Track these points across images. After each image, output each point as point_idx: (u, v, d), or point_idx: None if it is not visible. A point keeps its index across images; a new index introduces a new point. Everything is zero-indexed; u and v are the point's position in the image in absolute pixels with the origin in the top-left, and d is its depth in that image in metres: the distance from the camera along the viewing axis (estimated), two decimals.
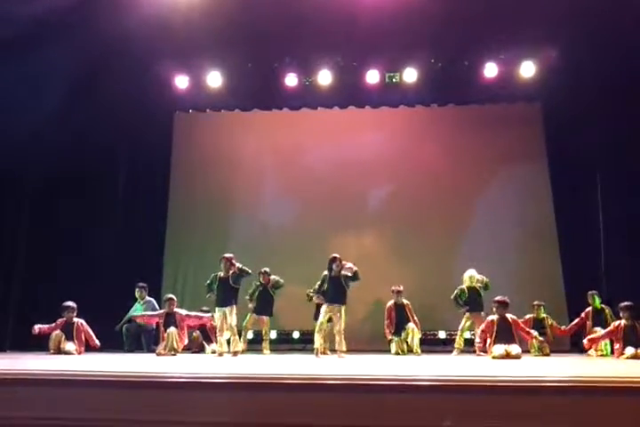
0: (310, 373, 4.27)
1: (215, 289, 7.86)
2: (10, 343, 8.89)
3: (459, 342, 8.65)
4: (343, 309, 7.61)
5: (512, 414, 3.49)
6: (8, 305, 9.23)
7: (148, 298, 9.30)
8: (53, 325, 8.24)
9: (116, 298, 9.77)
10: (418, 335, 8.56)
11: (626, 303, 7.66)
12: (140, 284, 9.32)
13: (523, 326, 7.86)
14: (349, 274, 7.58)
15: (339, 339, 7.66)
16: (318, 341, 7.67)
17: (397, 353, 8.54)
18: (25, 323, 8.78)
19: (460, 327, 8.70)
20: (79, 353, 8.01)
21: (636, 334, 7.49)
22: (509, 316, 7.65)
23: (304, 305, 9.22)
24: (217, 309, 7.80)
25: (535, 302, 8.86)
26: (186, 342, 8.30)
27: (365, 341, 9.59)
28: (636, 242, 9.18)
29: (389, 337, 8.69)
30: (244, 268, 7.79)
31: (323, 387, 3.72)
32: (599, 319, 8.62)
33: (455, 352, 8.57)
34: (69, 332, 8.13)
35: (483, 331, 7.76)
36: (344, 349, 7.63)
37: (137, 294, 9.25)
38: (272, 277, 9.17)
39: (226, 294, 7.75)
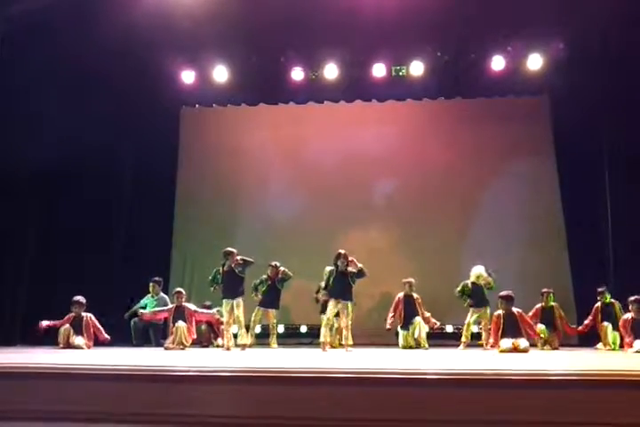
0: (317, 367, 4.28)
1: (221, 282, 7.87)
2: (19, 338, 8.96)
3: (465, 336, 8.65)
4: (350, 304, 7.60)
5: (519, 407, 3.49)
6: (17, 300, 9.30)
7: (161, 294, 9.32)
8: (64, 319, 8.29)
9: (124, 293, 9.83)
10: (425, 329, 8.59)
11: (635, 297, 7.63)
12: (156, 278, 9.33)
13: (529, 321, 7.82)
14: (355, 271, 7.58)
15: (345, 333, 7.68)
16: (325, 335, 7.68)
17: (405, 347, 8.55)
18: (34, 318, 8.85)
19: (466, 321, 8.70)
20: (88, 347, 8.06)
21: None
22: (515, 310, 7.63)
23: (311, 299, 9.25)
24: (224, 301, 7.79)
25: (544, 290, 8.76)
26: (194, 336, 8.33)
27: (372, 335, 9.60)
28: None
29: (389, 327, 8.69)
30: (246, 258, 7.81)
31: (330, 381, 3.73)
32: (609, 314, 8.56)
33: (462, 346, 8.57)
34: (78, 326, 8.18)
35: (491, 327, 7.74)
36: (351, 343, 7.65)
37: (150, 289, 9.29)
38: (282, 268, 9.12)
39: (232, 285, 7.74)
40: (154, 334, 9.19)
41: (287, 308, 9.91)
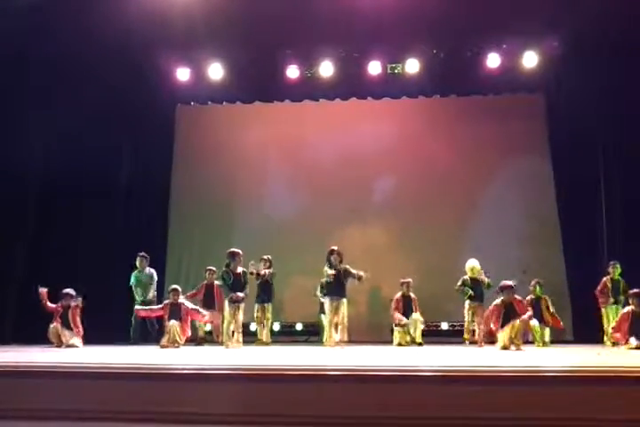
0: (313, 364, 4.28)
1: (229, 283, 7.87)
2: (12, 336, 8.92)
3: (467, 332, 8.65)
4: (345, 301, 7.62)
5: (513, 403, 3.50)
6: (9, 299, 9.25)
7: (147, 269, 9.28)
8: (55, 306, 8.20)
9: (119, 289, 9.79)
10: (421, 326, 8.61)
11: (636, 290, 7.59)
12: (142, 253, 9.28)
13: (524, 304, 7.69)
14: (353, 271, 7.61)
15: (341, 329, 7.68)
16: (332, 334, 7.62)
17: (400, 344, 8.56)
18: (26, 317, 8.83)
19: (465, 320, 8.69)
20: (79, 335, 8.06)
21: None
22: (517, 297, 7.48)
23: (307, 297, 9.25)
24: (229, 303, 7.82)
25: (534, 280, 8.80)
26: (189, 334, 8.32)
27: (366, 332, 9.62)
28: (638, 231, 9.16)
29: (397, 322, 8.61)
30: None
31: (326, 378, 3.73)
32: (615, 290, 8.53)
33: (467, 343, 8.56)
34: (66, 318, 8.13)
35: (487, 317, 7.61)
36: (345, 339, 7.66)
37: (137, 263, 9.25)
38: (266, 270, 9.15)
39: (240, 290, 7.81)
40: (150, 326, 9.18)
41: (283, 305, 9.91)
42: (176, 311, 8.17)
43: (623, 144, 9.64)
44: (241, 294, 7.82)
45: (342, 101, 11.07)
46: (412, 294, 8.81)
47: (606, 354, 6.03)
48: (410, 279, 8.83)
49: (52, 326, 8.11)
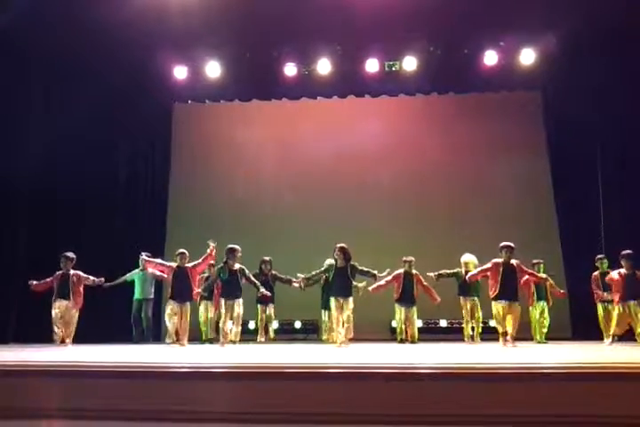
0: (313, 362, 4.28)
1: (224, 279, 7.82)
2: (12, 336, 8.92)
3: (467, 331, 8.65)
4: (350, 300, 7.57)
5: (513, 400, 3.51)
6: (10, 299, 9.24)
7: (150, 269, 9.13)
8: (50, 279, 8.13)
9: (119, 289, 9.77)
10: (417, 324, 8.64)
11: (626, 252, 7.57)
12: (145, 253, 9.11)
13: (527, 270, 7.79)
14: (364, 269, 7.59)
15: (346, 327, 7.66)
16: (338, 333, 7.59)
17: (397, 331, 8.61)
18: (27, 317, 8.81)
19: (464, 319, 8.68)
20: (77, 304, 8.03)
21: (635, 283, 7.45)
22: (514, 261, 7.48)
23: (306, 295, 9.23)
24: (225, 300, 7.74)
25: (534, 261, 8.75)
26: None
27: (365, 330, 9.60)
28: (636, 231, 9.17)
29: (371, 288, 8.36)
30: (257, 284, 7.88)
31: (326, 376, 3.73)
32: (605, 283, 8.47)
33: (468, 341, 8.55)
34: (65, 285, 8.07)
35: (490, 275, 7.52)
36: (349, 337, 7.66)
37: (140, 263, 9.19)
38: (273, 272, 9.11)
39: (235, 286, 7.78)
40: (145, 314, 9.20)
41: (281, 303, 9.88)
42: (182, 274, 7.96)
43: (621, 141, 9.65)
44: (268, 293, 7.91)
45: (340, 99, 11.07)
46: (415, 271, 8.76)
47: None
48: (412, 258, 8.79)
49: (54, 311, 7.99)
